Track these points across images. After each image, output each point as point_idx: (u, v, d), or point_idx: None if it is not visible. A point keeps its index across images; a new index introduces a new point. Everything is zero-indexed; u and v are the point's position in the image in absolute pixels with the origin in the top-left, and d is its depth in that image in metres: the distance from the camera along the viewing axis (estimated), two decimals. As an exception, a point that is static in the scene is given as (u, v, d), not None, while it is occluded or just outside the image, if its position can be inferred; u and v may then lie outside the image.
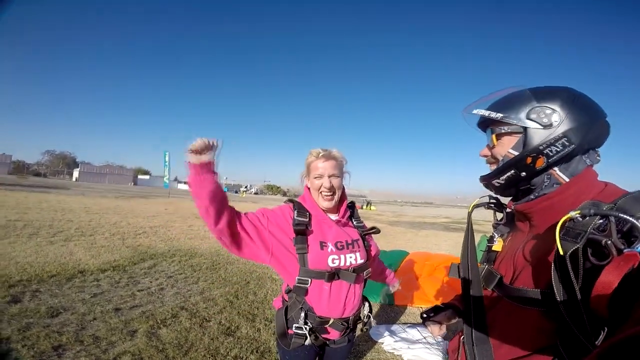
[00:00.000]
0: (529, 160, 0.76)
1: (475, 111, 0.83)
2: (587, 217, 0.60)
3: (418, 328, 2.99)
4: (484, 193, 0.96)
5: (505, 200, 0.93)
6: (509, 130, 0.79)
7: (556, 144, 0.73)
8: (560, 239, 0.60)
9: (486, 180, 0.85)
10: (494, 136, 0.83)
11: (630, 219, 0.55)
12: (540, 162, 0.75)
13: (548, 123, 0.73)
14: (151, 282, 4.01)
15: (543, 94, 0.76)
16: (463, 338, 0.89)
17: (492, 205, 0.95)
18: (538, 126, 0.74)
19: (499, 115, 0.78)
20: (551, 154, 0.73)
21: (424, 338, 2.81)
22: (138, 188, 43.18)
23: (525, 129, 0.76)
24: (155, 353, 2.36)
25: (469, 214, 0.96)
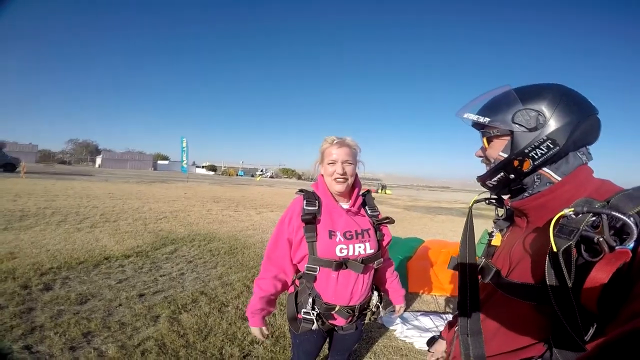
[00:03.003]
0: (516, 163, 0.78)
1: (465, 116, 0.86)
2: (580, 215, 0.61)
3: (430, 316, 3.00)
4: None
5: (506, 196, 0.94)
6: (498, 133, 0.81)
7: (541, 147, 0.74)
8: (554, 236, 0.63)
9: (481, 180, 0.88)
10: (485, 139, 0.87)
11: (622, 216, 0.56)
12: (527, 165, 0.77)
13: (533, 126, 0.75)
14: (172, 267, 4.18)
15: (528, 95, 0.77)
16: (458, 328, 0.92)
17: (493, 200, 0.97)
18: (523, 129, 0.76)
19: (487, 119, 0.81)
20: (536, 156, 0.75)
21: (436, 327, 2.81)
22: (158, 173, 44.42)
23: (512, 132, 0.78)
24: (177, 338, 2.49)
25: (470, 208, 0.98)
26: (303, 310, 1.32)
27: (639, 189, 0.63)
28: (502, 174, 0.81)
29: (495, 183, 0.84)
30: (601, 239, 0.56)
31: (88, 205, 8.52)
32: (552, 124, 0.73)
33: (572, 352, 0.63)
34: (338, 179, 1.34)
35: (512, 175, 0.79)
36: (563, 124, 0.72)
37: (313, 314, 1.31)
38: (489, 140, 0.85)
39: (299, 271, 1.38)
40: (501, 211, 0.97)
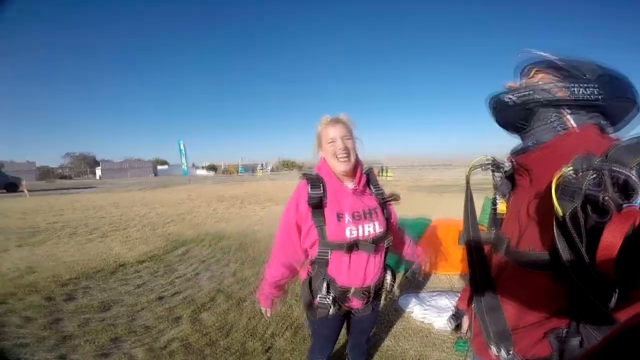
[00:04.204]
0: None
1: (539, 52, 0.81)
2: (581, 173, 0.57)
3: (447, 296, 2.98)
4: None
5: (502, 158, 0.91)
6: (551, 72, 0.78)
7: (586, 88, 0.71)
8: (557, 199, 0.58)
9: (497, 96, 0.82)
10: (534, 70, 0.81)
11: (624, 171, 0.52)
12: (561, 93, 0.73)
13: (590, 78, 0.72)
14: (186, 268, 4.25)
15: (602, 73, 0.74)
16: (474, 305, 0.89)
17: (489, 165, 0.93)
18: (579, 76, 0.73)
19: (562, 63, 0.76)
20: (576, 91, 0.71)
21: (453, 306, 2.79)
22: (159, 178, 44.38)
23: (569, 72, 0.75)
24: (200, 337, 2.55)
25: (467, 177, 0.94)
26: (319, 295, 1.32)
27: (635, 137, 0.60)
28: (529, 92, 0.76)
29: (513, 99, 0.78)
30: (607, 198, 0.52)
31: (95, 216, 8.59)
32: (605, 81, 0.71)
33: (598, 325, 0.60)
34: (341, 157, 1.31)
35: (538, 96, 0.74)
36: (614, 88, 0.71)
37: (329, 298, 1.32)
38: (537, 72, 0.80)
39: (310, 257, 1.38)
40: (499, 175, 0.93)
